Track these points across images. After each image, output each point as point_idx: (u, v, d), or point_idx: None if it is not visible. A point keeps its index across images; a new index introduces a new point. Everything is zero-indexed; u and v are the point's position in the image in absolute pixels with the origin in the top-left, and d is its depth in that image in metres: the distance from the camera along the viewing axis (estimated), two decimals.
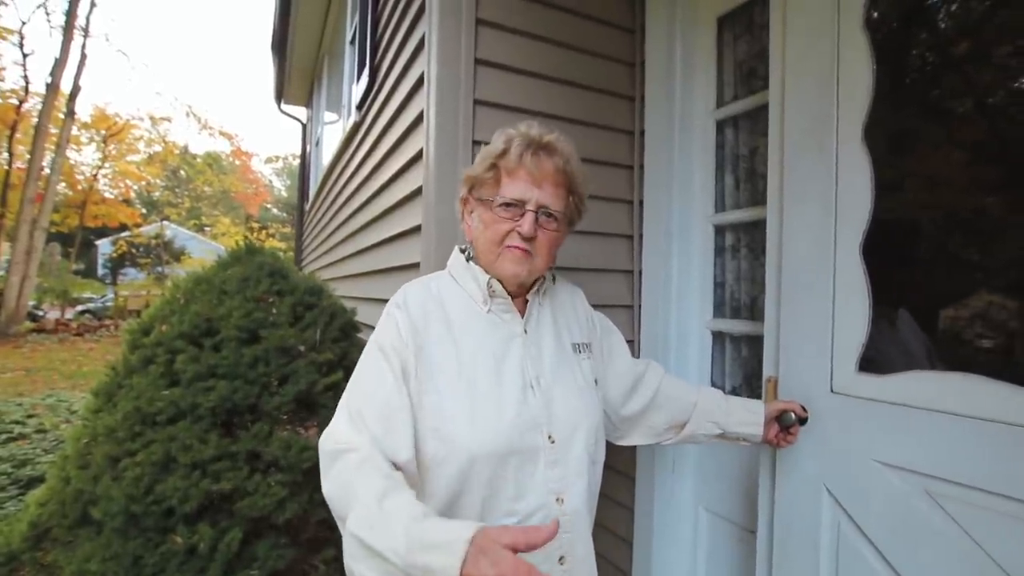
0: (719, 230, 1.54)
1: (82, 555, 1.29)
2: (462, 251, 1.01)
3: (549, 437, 0.88)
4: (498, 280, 0.93)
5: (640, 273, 1.62)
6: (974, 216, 0.98)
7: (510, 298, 0.95)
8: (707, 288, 1.56)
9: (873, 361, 1.05)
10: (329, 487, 0.76)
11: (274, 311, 1.58)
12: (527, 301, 0.98)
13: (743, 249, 1.50)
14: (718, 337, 1.55)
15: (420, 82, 1.49)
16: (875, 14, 1.06)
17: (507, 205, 0.88)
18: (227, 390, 1.44)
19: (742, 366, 1.51)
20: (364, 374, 0.87)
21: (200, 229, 27.13)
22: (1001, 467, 0.85)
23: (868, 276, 1.05)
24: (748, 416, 1.09)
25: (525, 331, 0.95)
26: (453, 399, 0.84)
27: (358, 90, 2.53)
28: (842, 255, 1.09)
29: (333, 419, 0.84)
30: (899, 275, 1.06)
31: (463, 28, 1.37)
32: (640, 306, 1.61)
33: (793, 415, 1.09)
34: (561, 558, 0.86)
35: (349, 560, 0.69)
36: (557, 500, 0.87)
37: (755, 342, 1.44)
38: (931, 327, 1.03)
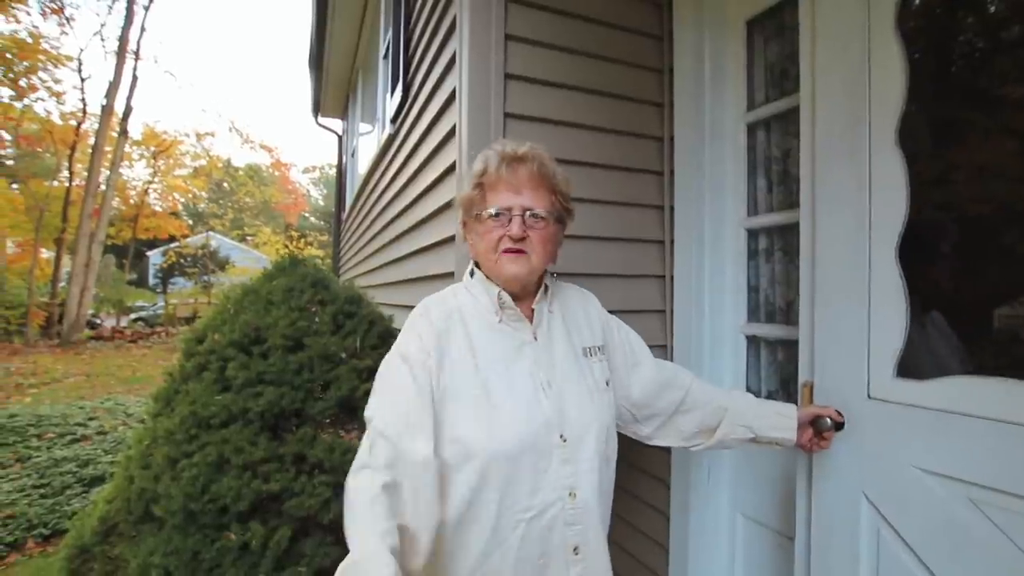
0: (752, 234, 1.53)
1: (146, 549, 1.39)
2: (471, 272, 1.07)
3: (561, 436, 0.93)
4: (503, 286, 0.98)
5: (672, 278, 1.62)
6: (1016, 215, 0.96)
7: (518, 308, 1.00)
8: (740, 292, 1.55)
9: (911, 366, 1.03)
10: (347, 494, 0.81)
11: (317, 320, 1.66)
12: (534, 310, 1.03)
13: (777, 253, 1.49)
14: (752, 342, 1.54)
15: (452, 97, 1.54)
16: (908, 14, 1.05)
17: (495, 216, 0.96)
18: (274, 395, 1.52)
19: (778, 371, 1.49)
20: (387, 383, 0.92)
21: (243, 239, 28.22)
22: None
23: (904, 279, 1.04)
24: (780, 420, 1.09)
25: (535, 338, 1.00)
26: (470, 406, 0.90)
27: (392, 104, 2.61)
28: (877, 258, 1.08)
29: (366, 436, 0.88)
30: (936, 278, 1.04)
31: (492, 44, 1.41)
32: (673, 311, 1.62)
33: (829, 420, 1.08)
34: (575, 548, 0.92)
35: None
36: (570, 495, 0.92)
37: (790, 347, 1.42)
38: (971, 330, 1.01)
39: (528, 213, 0.95)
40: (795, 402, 1.24)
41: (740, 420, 1.11)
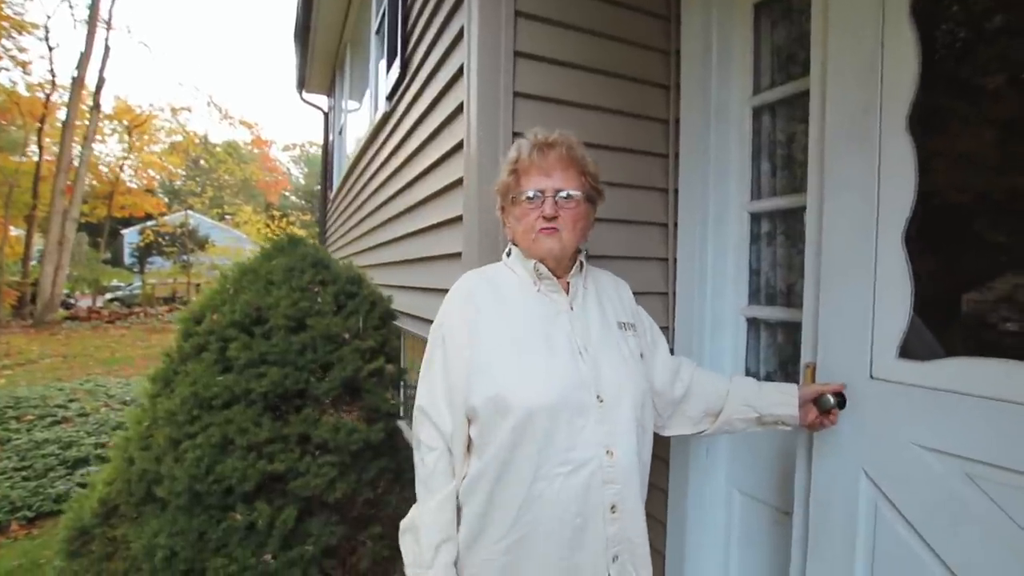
0: (755, 217, 1.55)
1: (150, 531, 1.39)
2: (509, 251, 1.14)
3: (598, 397, 0.98)
4: (541, 262, 1.05)
5: (675, 261, 1.64)
6: (1020, 203, 0.99)
7: (556, 280, 1.06)
8: (742, 275, 1.57)
9: (915, 347, 1.06)
10: (416, 467, 1.02)
11: (319, 300, 1.65)
12: (569, 284, 1.09)
13: (779, 236, 1.51)
14: (753, 324, 1.57)
15: (459, 74, 1.51)
16: (924, 1, 1.06)
17: (529, 198, 1.02)
18: (278, 376, 1.51)
19: (777, 353, 1.53)
20: (425, 360, 1.05)
21: (222, 218, 27.58)
22: None
23: (910, 264, 1.07)
24: (782, 397, 1.13)
25: (572, 307, 1.06)
26: (509, 364, 0.96)
27: (388, 81, 2.56)
28: (884, 243, 1.10)
29: (418, 391, 1.04)
30: (941, 263, 1.07)
31: (503, 20, 1.39)
32: (675, 293, 1.64)
33: (832, 398, 1.11)
34: (613, 507, 0.95)
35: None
36: (608, 453, 0.96)
37: (791, 329, 1.46)
38: (972, 314, 1.04)
39: (559, 194, 1.01)
40: (795, 383, 1.27)
41: (743, 400, 1.15)
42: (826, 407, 1.12)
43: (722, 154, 1.56)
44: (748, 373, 1.56)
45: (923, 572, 1.03)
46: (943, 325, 1.07)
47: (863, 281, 1.13)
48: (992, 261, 1.02)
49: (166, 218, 22.09)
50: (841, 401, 1.12)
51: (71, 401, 5.54)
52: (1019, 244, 0.99)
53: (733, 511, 1.59)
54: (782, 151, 1.50)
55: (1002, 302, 1.02)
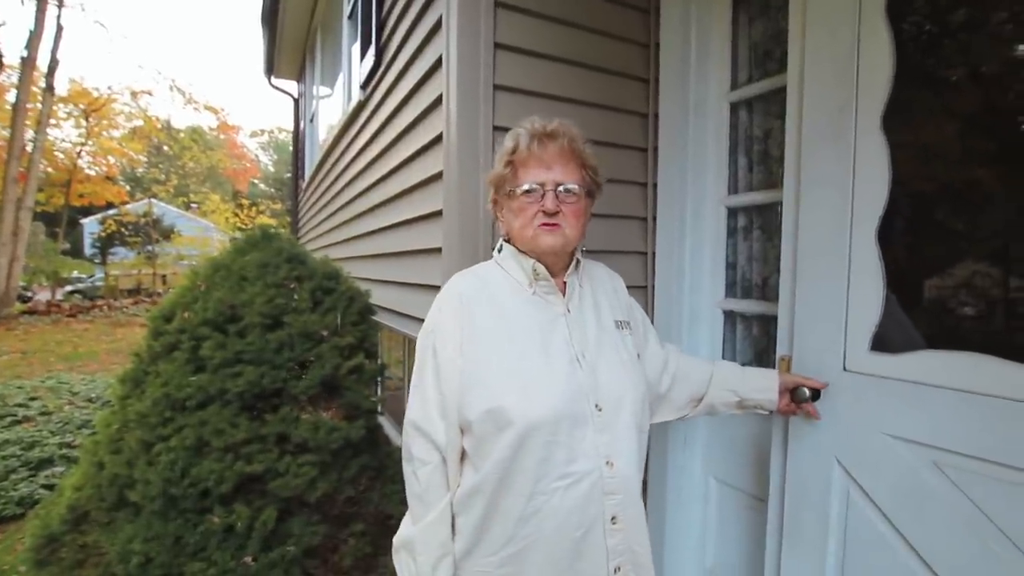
0: (732, 212, 1.57)
1: (124, 536, 1.35)
2: (500, 247, 1.08)
3: (596, 406, 0.94)
4: (539, 259, 1.00)
5: (654, 254, 1.65)
6: (986, 205, 1.02)
7: (552, 280, 1.01)
8: (719, 269, 1.60)
9: (886, 340, 1.10)
10: (407, 481, 0.99)
11: (295, 297, 1.61)
12: (565, 283, 1.04)
13: (756, 231, 1.54)
14: (729, 317, 1.60)
15: (437, 65, 1.48)
16: (899, 1, 1.08)
17: (528, 192, 0.97)
18: (254, 375, 1.48)
19: (752, 345, 1.56)
20: (416, 370, 1.00)
21: (188, 207, 26.70)
22: (1002, 438, 0.92)
23: (882, 259, 1.10)
24: (764, 382, 1.16)
25: (568, 310, 1.02)
26: (506, 375, 0.92)
27: (363, 69, 2.49)
28: (857, 239, 1.13)
29: (409, 403, 1.00)
30: (912, 259, 1.10)
31: (482, 10, 1.36)
32: (654, 287, 1.66)
33: (807, 391, 1.14)
34: (613, 518, 0.93)
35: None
36: (607, 464, 0.93)
37: (766, 322, 1.49)
38: (941, 309, 1.08)
39: (560, 188, 0.97)
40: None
41: (726, 385, 1.17)
42: (801, 398, 1.15)
43: (700, 149, 1.57)
44: None
45: (892, 556, 1.08)
46: (915, 319, 1.10)
47: (837, 275, 1.16)
48: (961, 257, 1.06)
49: (128, 207, 21.25)
50: (815, 394, 1.15)
51: (32, 399, 5.32)
52: (988, 239, 1.03)
53: (710, 498, 1.63)
54: (759, 146, 1.52)
55: (970, 298, 1.06)
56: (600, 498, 0.92)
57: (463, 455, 0.96)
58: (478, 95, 1.36)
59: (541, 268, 1.00)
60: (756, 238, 1.54)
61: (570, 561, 0.91)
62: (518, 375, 0.92)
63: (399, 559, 0.98)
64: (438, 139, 1.50)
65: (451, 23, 1.36)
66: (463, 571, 0.93)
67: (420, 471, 0.96)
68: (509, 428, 0.88)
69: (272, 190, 32.89)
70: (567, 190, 0.97)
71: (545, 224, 0.96)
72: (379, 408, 1.74)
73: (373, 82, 2.36)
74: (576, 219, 0.99)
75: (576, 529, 0.91)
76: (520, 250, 1.02)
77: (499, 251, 1.07)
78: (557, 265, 1.03)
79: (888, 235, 1.10)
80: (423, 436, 0.96)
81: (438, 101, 1.48)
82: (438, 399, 0.94)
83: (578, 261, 1.07)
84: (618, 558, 0.94)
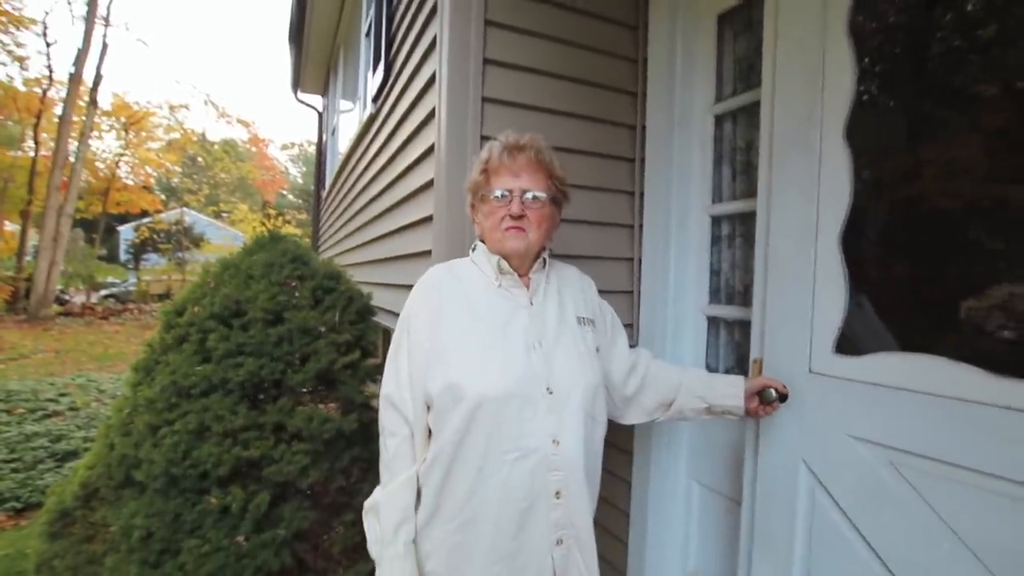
0: (716, 220, 1.61)
1: (128, 512, 1.44)
2: (475, 247, 1.19)
3: (548, 389, 1.03)
4: (505, 258, 1.10)
5: (640, 261, 1.70)
6: (942, 212, 1.05)
7: (516, 274, 1.11)
8: (703, 276, 1.64)
9: (848, 343, 1.13)
10: (380, 451, 1.09)
11: (296, 295, 1.71)
12: (531, 280, 1.14)
13: (738, 238, 1.58)
14: (713, 322, 1.63)
15: (432, 80, 1.57)
16: (858, 18, 1.13)
17: (498, 197, 1.08)
18: (255, 366, 1.57)
19: (735, 350, 1.59)
20: (392, 349, 1.10)
21: (218, 216, 27.58)
22: (954, 439, 0.94)
23: (845, 264, 1.13)
24: (730, 390, 1.20)
25: (531, 303, 1.11)
26: (465, 355, 1.01)
27: (374, 83, 2.62)
28: (823, 244, 1.17)
29: (383, 379, 1.10)
30: (873, 263, 1.14)
31: (472, 29, 1.45)
32: (639, 292, 1.70)
33: (774, 392, 1.18)
34: (557, 492, 1.01)
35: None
36: (554, 442, 1.01)
37: (747, 327, 1.51)
38: (901, 312, 1.11)
39: (525, 194, 1.07)
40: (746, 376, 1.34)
41: (694, 391, 1.22)
42: (769, 399, 1.19)
43: (685, 159, 1.63)
44: (708, 369, 1.63)
45: (853, 555, 1.10)
46: (875, 322, 1.13)
47: (804, 280, 1.20)
48: (922, 264, 1.09)
49: (162, 215, 22.10)
50: (783, 396, 1.19)
51: (62, 395, 5.58)
52: (941, 245, 1.06)
53: (692, 501, 1.65)
54: (741, 157, 1.57)
55: (926, 303, 1.09)
56: (545, 474, 0.99)
57: (429, 432, 1.03)
58: (467, 108, 1.45)
59: (505, 263, 1.10)
60: (739, 246, 1.58)
61: (516, 530, 0.98)
62: (476, 356, 1.01)
63: (367, 521, 1.07)
64: (431, 149, 1.59)
65: (443, 40, 1.46)
66: (426, 539, 1.01)
67: (389, 441, 1.05)
68: (462, 403, 0.97)
69: (299, 201, 33.76)
70: (534, 197, 1.08)
71: (511, 228, 1.06)
72: (373, 403, 1.81)
73: (382, 96, 2.48)
74: (540, 224, 1.09)
75: (522, 501, 0.98)
76: (491, 249, 1.12)
77: (473, 250, 1.18)
78: (523, 264, 1.12)
79: (851, 240, 1.13)
80: (394, 409, 1.05)
81: (432, 114, 1.57)
82: (408, 375, 1.04)
83: (544, 261, 1.16)
84: (560, 531, 1.01)
